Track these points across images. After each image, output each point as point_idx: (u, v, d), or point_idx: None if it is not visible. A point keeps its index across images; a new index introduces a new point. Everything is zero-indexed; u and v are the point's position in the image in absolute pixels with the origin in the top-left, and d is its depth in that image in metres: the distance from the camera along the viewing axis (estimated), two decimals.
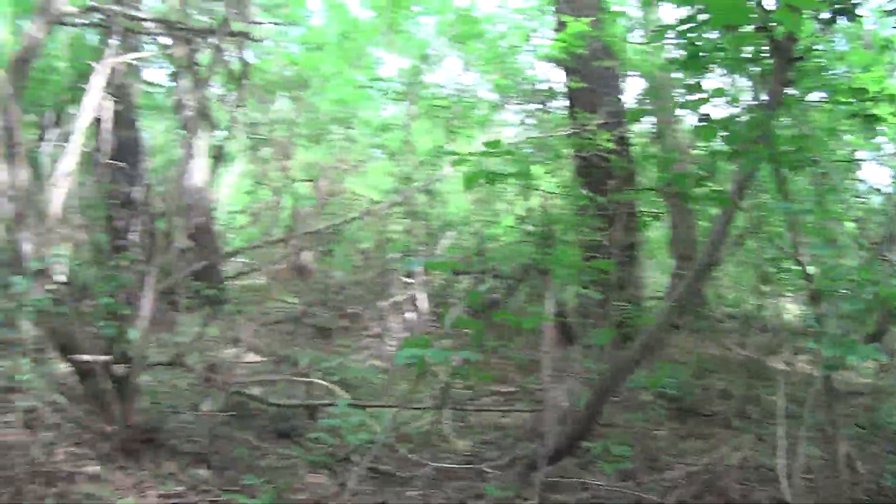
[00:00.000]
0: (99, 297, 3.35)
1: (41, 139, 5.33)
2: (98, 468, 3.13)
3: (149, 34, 5.25)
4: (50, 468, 3.03)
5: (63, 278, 3.19)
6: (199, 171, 6.17)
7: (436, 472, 3.42)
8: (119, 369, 3.27)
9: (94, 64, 3.90)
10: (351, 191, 7.71)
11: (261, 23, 5.70)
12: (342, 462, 3.44)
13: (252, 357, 5.31)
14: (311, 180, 7.78)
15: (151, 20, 4.53)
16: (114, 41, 4.05)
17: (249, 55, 5.81)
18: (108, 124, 4.54)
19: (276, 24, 6.26)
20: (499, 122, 7.21)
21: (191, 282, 5.47)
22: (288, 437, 3.75)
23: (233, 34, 3.85)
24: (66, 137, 5.11)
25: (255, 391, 4.20)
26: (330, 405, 3.89)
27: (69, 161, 3.52)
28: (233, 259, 7.44)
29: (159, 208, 6.61)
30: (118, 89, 4.87)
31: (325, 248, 6.84)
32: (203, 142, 6.01)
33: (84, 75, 5.56)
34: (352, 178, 8.31)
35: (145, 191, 5.55)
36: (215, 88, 6.45)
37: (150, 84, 7.30)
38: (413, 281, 5.48)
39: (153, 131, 7.45)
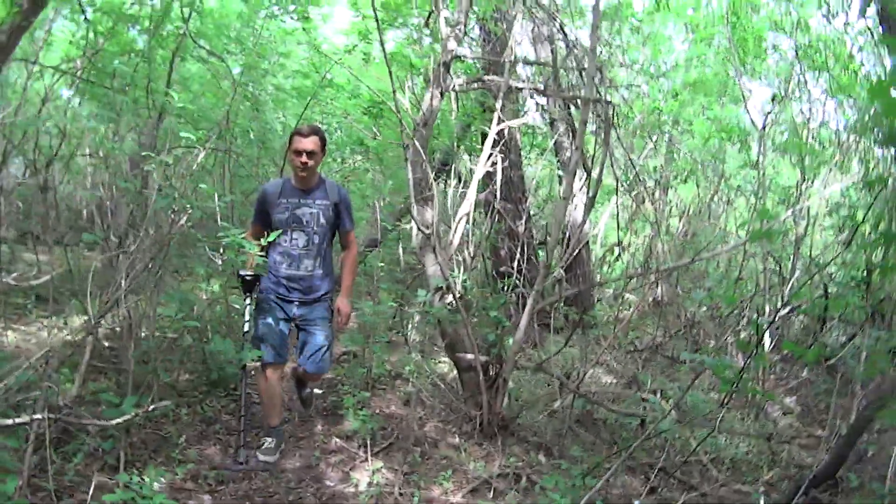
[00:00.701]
0: (488, 311, 4.38)
1: (444, 184, 6.79)
2: (458, 440, 4.20)
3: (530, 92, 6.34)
4: (419, 435, 4.18)
5: (457, 295, 4.25)
6: (577, 207, 7.05)
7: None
8: (492, 368, 4.25)
9: (487, 128, 5.04)
10: (717, 227, 7.91)
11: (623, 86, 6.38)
12: (660, 473, 3.92)
13: (607, 378, 5.99)
14: (679, 216, 8.20)
15: (530, 88, 5.55)
16: (499, 104, 5.15)
17: (618, 99, 6.51)
18: (498, 173, 5.68)
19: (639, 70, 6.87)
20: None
21: (563, 306, 6.36)
22: (616, 443, 4.35)
23: (597, 101, 4.57)
24: (460, 181, 6.48)
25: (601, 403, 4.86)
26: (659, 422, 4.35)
27: (467, 204, 4.65)
28: (602, 288, 8.23)
29: (538, 239, 7.73)
30: (506, 141, 6.00)
31: (685, 282, 7.17)
32: (580, 180, 6.88)
33: (468, 127, 6.92)
34: (718, 214, 8.50)
35: (526, 224, 6.61)
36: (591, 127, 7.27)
37: (530, 128, 8.50)
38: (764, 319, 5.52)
39: (534, 168, 8.61)
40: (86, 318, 3.60)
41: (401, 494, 3.50)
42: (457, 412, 4.54)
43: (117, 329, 4.25)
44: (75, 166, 8.55)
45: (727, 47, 7.83)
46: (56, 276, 5.65)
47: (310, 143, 3.91)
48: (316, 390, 4.59)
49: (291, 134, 4.06)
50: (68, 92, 8.07)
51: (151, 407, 3.15)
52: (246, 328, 3.96)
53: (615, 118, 5.60)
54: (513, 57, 5.62)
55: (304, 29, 6.58)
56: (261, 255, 3.83)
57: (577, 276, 7.37)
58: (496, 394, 4.21)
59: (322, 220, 4.02)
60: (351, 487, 3.59)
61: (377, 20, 4.81)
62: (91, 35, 6.03)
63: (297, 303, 4.03)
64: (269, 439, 3.99)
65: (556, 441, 4.28)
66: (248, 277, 3.99)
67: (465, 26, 5.69)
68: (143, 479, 3.05)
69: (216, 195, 4.52)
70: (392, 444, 4.13)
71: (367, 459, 3.87)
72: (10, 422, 2.72)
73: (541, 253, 6.84)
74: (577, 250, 6.29)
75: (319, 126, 4.27)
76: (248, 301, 4.03)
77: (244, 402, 3.82)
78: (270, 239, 3.82)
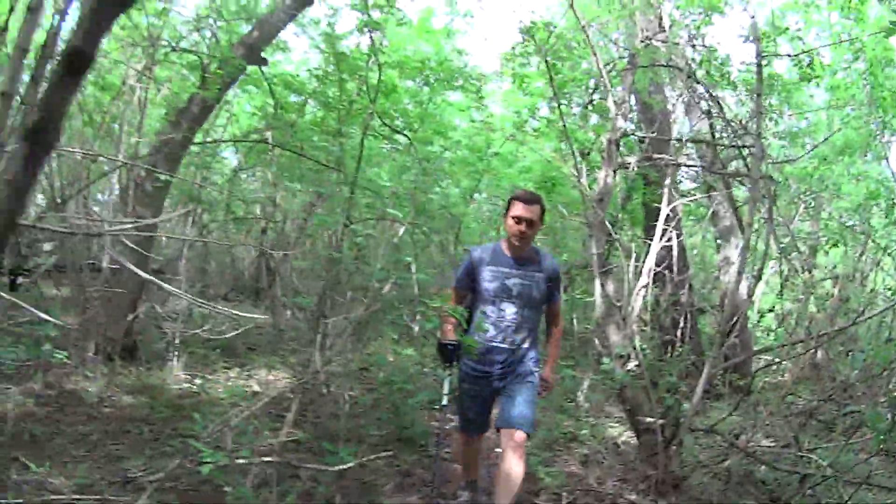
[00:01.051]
0: (664, 376, 4.69)
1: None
2: (635, 497, 4.52)
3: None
4: (600, 491, 4.52)
5: (636, 363, 4.62)
6: (736, 275, 7.25)
7: None
8: (669, 431, 4.57)
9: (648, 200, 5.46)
10: (870, 289, 7.83)
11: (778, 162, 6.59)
12: None
13: (765, 441, 6.12)
14: (832, 279, 8.17)
15: (697, 167, 5.94)
16: (668, 181, 5.56)
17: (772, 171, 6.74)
18: (673, 247, 6.02)
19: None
20: None
21: (724, 372, 6.57)
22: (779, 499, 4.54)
23: (764, 178, 4.90)
24: (628, 254, 6.87)
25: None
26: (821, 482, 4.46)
27: (645, 277, 5.06)
28: (761, 355, 8.29)
29: (700, 308, 7.94)
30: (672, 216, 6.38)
31: (835, 346, 7.15)
32: (737, 248, 7.10)
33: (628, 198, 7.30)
34: (866, 274, 8.43)
35: (689, 293, 6.89)
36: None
37: (684, 194, 8.80)
38: None
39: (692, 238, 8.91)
40: (292, 372, 4.24)
41: None
42: (632, 471, 4.87)
43: (322, 384, 4.75)
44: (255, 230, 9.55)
45: (866, 104, 7.90)
46: (241, 332, 6.49)
47: (531, 211, 3.78)
48: None
49: (510, 199, 3.93)
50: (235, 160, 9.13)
51: (373, 456, 3.70)
52: (444, 402, 3.88)
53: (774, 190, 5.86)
54: (678, 135, 6.04)
55: (477, 107, 7.24)
56: (461, 329, 3.75)
57: (738, 343, 7.52)
58: (671, 455, 4.52)
59: (535, 294, 3.88)
60: None
61: (558, 103, 5.35)
62: (278, 110, 6.92)
63: (497, 375, 3.87)
64: (465, 493, 4.10)
65: (723, 498, 4.52)
66: (449, 346, 3.80)
67: (628, 103, 6.19)
68: None
69: (412, 265, 5.01)
70: (576, 499, 4.51)
71: None
72: (244, 461, 3.32)
73: (701, 321, 7.08)
74: (738, 318, 6.50)
75: (539, 194, 4.12)
76: (448, 372, 3.89)
77: (437, 461, 3.89)
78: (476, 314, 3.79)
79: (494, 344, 3.85)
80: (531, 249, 3.96)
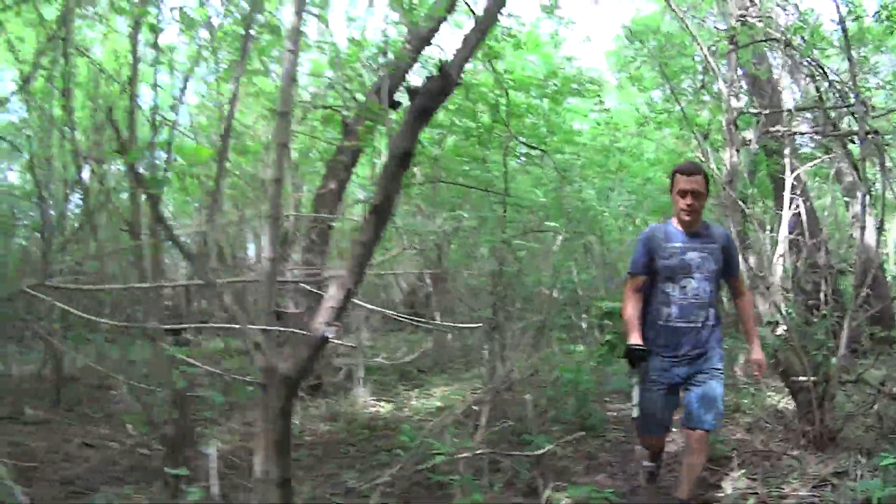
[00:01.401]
0: (811, 337, 5.01)
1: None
2: (797, 452, 4.85)
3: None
4: (765, 452, 4.90)
5: (785, 328, 4.98)
6: (867, 229, 7.35)
7: None
8: (821, 387, 4.91)
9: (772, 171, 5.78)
10: None
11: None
12: None
13: None
14: None
15: (810, 133, 6.17)
16: (788, 150, 5.86)
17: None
18: (801, 213, 6.28)
19: None
20: None
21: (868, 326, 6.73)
22: None
23: (872, 133, 5.13)
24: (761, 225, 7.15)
25: None
26: None
27: (782, 246, 5.41)
28: None
29: (837, 269, 8.04)
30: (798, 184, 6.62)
31: None
32: (865, 202, 7.20)
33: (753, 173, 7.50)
34: None
35: (826, 255, 7.06)
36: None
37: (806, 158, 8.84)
38: None
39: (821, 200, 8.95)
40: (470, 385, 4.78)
41: (760, 493, 4.31)
42: (792, 431, 5.23)
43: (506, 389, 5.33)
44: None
45: None
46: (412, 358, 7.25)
47: (695, 182, 3.72)
48: None
49: (673, 172, 3.88)
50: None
51: (567, 438, 4.27)
52: (635, 413, 3.85)
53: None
54: (788, 103, 6.31)
55: (596, 110, 7.71)
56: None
57: (878, 297, 7.60)
58: (825, 410, 4.85)
59: (713, 266, 3.79)
60: (720, 493, 4.46)
61: (674, 94, 5.77)
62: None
63: (685, 360, 3.80)
64: (650, 464, 4.19)
65: (876, 446, 4.78)
66: (637, 350, 3.75)
67: (737, 82, 6.50)
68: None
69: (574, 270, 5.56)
70: (744, 460, 4.92)
71: (731, 470, 4.69)
72: (466, 454, 3.99)
73: (840, 280, 7.20)
74: (873, 272, 6.64)
75: (700, 164, 4.09)
76: (635, 379, 3.86)
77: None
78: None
79: (679, 324, 3.78)
80: (701, 223, 3.87)
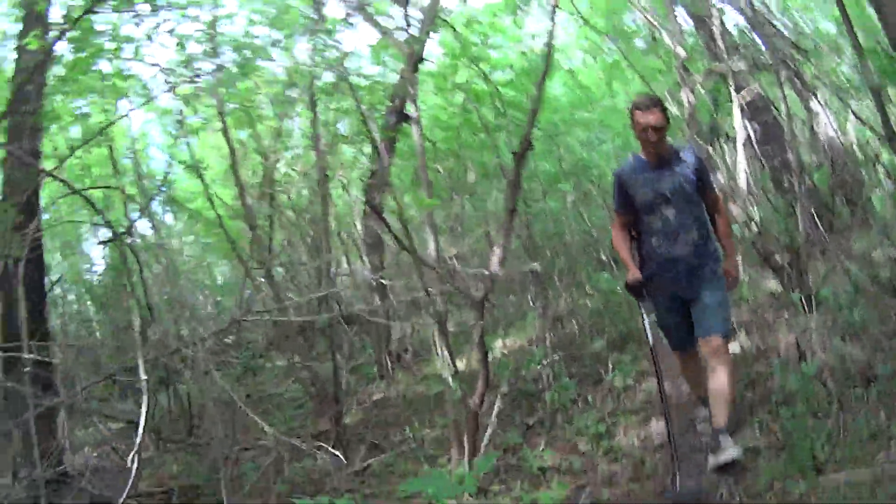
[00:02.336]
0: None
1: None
2: (787, 315, 6.27)
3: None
4: (764, 321, 6.37)
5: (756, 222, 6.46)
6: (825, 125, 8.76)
7: None
8: (795, 263, 6.37)
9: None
10: None
11: None
12: None
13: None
14: None
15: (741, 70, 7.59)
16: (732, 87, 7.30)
17: None
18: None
19: None
20: None
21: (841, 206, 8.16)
22: None
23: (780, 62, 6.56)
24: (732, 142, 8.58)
25: None
26: None
27: (741, 157, 6.87)
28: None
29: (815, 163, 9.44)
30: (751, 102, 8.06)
31: None
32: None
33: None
34: None
35: (795, 155, 8.47)
36: None
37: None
38: None
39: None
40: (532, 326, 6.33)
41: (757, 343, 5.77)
42: (780, 301, 6.68)
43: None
44: None
45: None
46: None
47: (652, 115, 3.81)
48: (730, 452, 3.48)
49: (631, 110, 3.94)
50: None
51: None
52: (650, 338, 4.03)
53: None
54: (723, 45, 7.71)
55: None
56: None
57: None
58: (804, 278, 6.31)
59: (688, 189, 3.92)
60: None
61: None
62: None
63: (685, 280, 3.95)
64: (702, 410, 4.14)
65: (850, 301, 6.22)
66: (633, 285, 3.96)
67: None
68: None
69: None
70: (748, 329, 6.38)
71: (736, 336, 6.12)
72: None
73: (817, 175, 8.57)
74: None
75: (656, 96, 4.20)
76: (643, 310, 4.12)
77: (668, 417, 3.83)
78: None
79: (669, 252, 3.96)
80: (669, 148, 4.01)
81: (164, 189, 6.85)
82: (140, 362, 3.90)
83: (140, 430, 5.74)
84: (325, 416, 5.63)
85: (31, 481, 3.65)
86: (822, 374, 4.18)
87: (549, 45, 4.82)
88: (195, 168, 6.59)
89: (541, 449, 4.45)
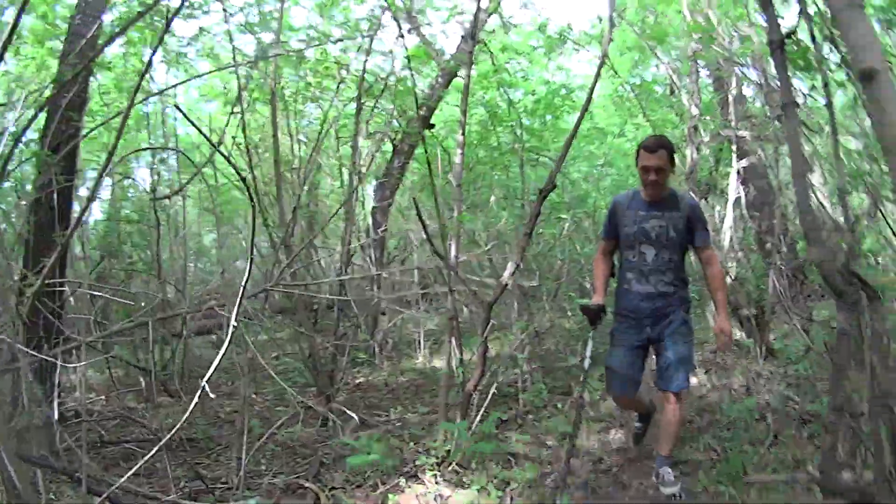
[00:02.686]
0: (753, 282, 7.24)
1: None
2: (745, 362, 7.07)
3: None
4: (724, 364, 7.13)
5: (733, 276, 7.22)
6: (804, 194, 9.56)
7: None
8: (759, 316, 7.13)
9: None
10: None
11: None
12: None
13: None
14: None
15: (751, 137, 8.37)
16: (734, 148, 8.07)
17: None
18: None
19: None
20: None
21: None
22: None
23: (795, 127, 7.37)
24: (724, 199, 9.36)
25: None
26: None
27: (729, 218, 7.63)
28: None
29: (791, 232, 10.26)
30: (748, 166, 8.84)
31: None
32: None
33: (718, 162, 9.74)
34: None
35: (780, 220, 9.26)
36: None
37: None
38: None
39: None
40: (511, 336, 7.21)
41: (715, 384, 6.52)
42: (742, 349, 7.45)
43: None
44: None
45: None
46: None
47: (657, 158, 3.92)
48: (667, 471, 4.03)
49: (637, 148, 4.07)
50: None
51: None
52: (586, 365, 4.17)
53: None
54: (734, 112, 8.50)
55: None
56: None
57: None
58: (763, 330, 7.04)
59: (672, 234, 4.01)
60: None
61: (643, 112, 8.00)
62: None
63: (648, 322, 4.07)
64: (665, 470, 4.00)
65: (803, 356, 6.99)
66: (590, 308, 4.16)
67: (699, 94, 8.71)
68: None
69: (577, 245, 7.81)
70: (708, 370, 7.13)
71: (698, 375, 6.90)
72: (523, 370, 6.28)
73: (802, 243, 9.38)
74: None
75: (666, 138, 4.15)
76: (590, 334, 4.22)
77: (573, 436, 4.15)
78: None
79: (638, 289, 4.10)
80: (668, 192, 4.10)
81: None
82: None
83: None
84: (316, 391, 6.23)
85: (46, 419, 3.68)
86: (764, 411, 4.93)
87: (588, 101, 5.38)
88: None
89: (514, 440, 5.10)
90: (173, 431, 2.86)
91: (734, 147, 7.99)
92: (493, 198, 9.66)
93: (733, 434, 4.65)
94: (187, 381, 7.29)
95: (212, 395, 2.82)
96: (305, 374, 6.64)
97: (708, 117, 8.25)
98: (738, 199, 7.87)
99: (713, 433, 4.87)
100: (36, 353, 3.66)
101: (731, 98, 8.34)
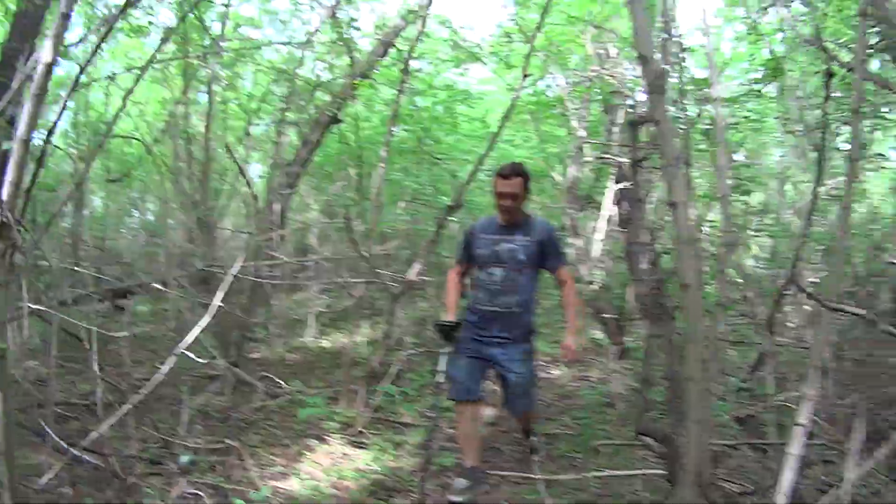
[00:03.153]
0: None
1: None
2: (613, 364, 8.34)
3: None
4: (584, 361, 8.37)
5: (598, 284, 8.44)
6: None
7: None
8: (620, 320, 8.39)
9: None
10: None
11: None
12: None
13: None
14: None
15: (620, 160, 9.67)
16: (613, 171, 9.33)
17: None
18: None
19: None
20: None
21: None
22: None
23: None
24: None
25: None
26: None
27: (599, 233, 8.86)
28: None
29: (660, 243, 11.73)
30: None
31: None
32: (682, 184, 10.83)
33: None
34: None
35: (648, 232, 10.63)
36: None
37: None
38: None
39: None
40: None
41: (572, 374, 7.71)
42: (603, 348, 8.71)
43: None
44: None
45: None
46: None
47: (511, 185, 4.17)
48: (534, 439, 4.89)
49: (494, 175, 4.28)
50: None
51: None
52: (442, 378, 4.30)
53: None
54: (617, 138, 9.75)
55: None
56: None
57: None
58: (622, 330, 8.31)
59: (521, 257, 4.26)
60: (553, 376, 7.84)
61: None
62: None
63: (494, 341, 4.29)
64: (461, 480, 4.25)
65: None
66: (444, 325, 4.32)
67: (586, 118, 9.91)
68: None
69: None
70: (569, 364, 8.33)
71: (560, 369, 8.07)
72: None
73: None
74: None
75: (522, 165, 4.35)
76: (444, 350, 4.37)
77: (428, 445, 4.37)
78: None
79: (487, 308, 4.33)
80: (524, 216, 4.38)
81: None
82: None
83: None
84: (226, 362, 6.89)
85: None
86: (614, 399, 6.12)
87: (501, 127, 6.35)
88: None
89: (402, 411, 6.00)
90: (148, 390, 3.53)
91: (613, 171, 9.21)
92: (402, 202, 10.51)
93: (588, 414, 5.81)
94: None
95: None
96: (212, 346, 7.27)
97: (592, 140, 9.44)
98: (611, 217, 9.12)
99: (572, 414, 6.03)
100: None
101: (613, 126, 9.55)
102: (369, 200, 6.79)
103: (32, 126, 2.85)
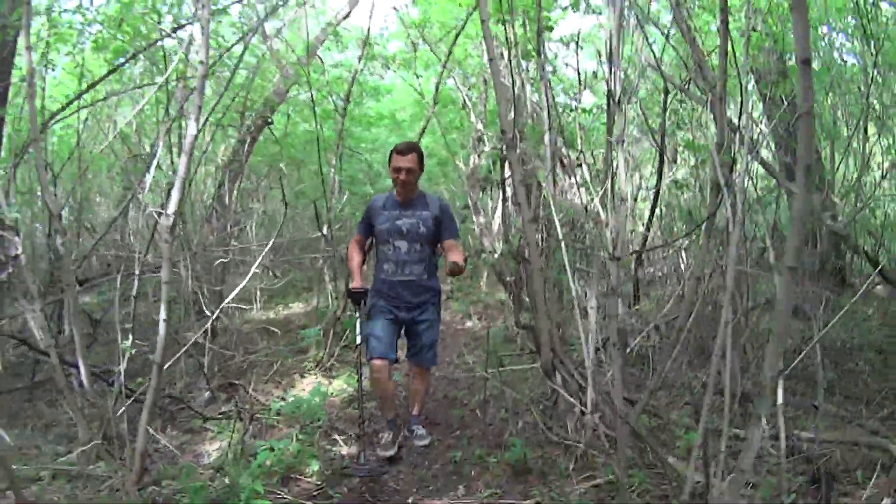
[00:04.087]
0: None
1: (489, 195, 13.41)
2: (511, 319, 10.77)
3: None
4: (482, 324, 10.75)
5: (497, 252, 10.79)
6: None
7: None
8: (519, 283, 10.81)
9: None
10: None
11: None
12: None
13: None
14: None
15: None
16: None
17: None
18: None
19: None
20: None
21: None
22: None
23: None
24: (502, 193, 13.01)
25: None
26: None
27: (498, 210, 11.21)
28: None
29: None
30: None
31: None
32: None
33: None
34: None
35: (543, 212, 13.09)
36: None
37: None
38: None
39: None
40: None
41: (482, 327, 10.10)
42: (507, 307, 11.11)
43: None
44: None
45: None
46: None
47: (407, 160, 4.53)
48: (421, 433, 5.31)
49: (391, 152, 4.63)
50: None
51: None
52: (358, 340, 4.68)
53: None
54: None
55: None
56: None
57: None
58: (522, 294, 10.75)
59: (422, 230, 4.68)
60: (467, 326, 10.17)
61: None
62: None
63: (404, 307, 4.73)
64: (386, 433, 4.83)
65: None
66: (355, 292, 4.68)
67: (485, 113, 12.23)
68: None
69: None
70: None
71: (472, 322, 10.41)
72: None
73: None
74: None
75: (416, 143, 4.79)
76: (357, 314, 4.70)
77: (361, 405, 4.68)
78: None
79: (395, 278, 4.76)
80: (419, 194, 4.80)
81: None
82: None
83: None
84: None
85: None
86: (514, 337, 8.53)
87: (422, 134, 8.48)
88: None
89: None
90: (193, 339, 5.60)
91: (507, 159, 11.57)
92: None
93: (494, 346, 8.17)
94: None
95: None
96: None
97: (490, 133, 11.74)
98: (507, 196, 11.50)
99: (483, 348, 8.36)
100: None
101: (508, 116, 11.84)
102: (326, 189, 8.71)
103: None
